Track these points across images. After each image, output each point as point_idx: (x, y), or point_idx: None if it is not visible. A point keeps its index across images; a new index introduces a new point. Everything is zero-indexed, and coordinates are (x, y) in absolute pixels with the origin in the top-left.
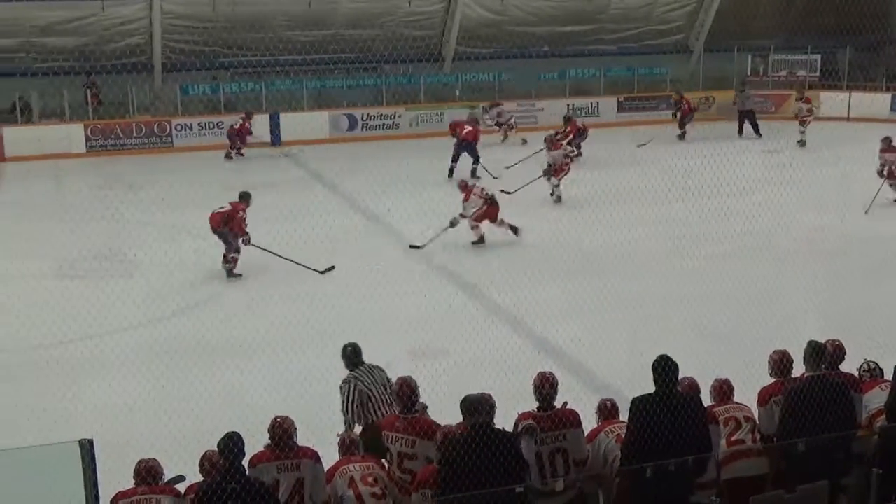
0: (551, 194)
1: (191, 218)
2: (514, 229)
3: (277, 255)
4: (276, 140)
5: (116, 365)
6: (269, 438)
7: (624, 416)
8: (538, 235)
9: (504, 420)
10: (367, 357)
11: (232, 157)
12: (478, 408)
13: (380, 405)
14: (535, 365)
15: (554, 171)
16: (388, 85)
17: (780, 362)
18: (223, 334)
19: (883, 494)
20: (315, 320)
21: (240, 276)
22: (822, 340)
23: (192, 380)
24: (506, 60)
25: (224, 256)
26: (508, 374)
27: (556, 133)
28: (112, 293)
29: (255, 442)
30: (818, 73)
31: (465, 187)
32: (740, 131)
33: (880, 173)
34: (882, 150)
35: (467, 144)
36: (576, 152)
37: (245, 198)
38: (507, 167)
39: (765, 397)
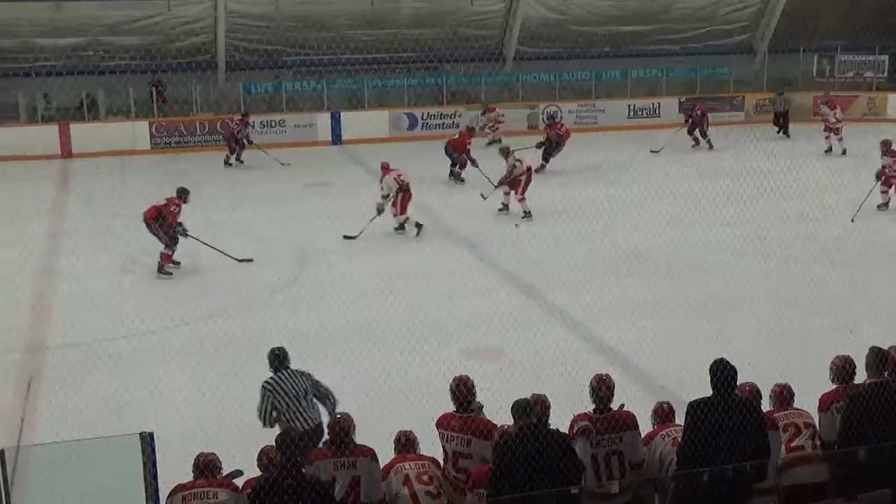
0: (500, 209)
1: (251, 215)
2: (419, 226)
3: (207, 245)
4: (336, 139)
5: (177, 359)
6: (328, 435)
7: (680, 419)
8: (599, 237)
9: (559, 421)
10: (424, 356)
11: (231, 164)
12: (527, 409)
13: (295, 415)
14: (590, 366)
15: (510, 183)
16: (449, 84)
17: (843, 368)
18: (286, 330)
19: None
20: (376, 319)
21: (170, 274)
22: (885, 347)
23: (252, 375)
24: (567, 61)
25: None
26: (564, 374)
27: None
28: (173, 288)
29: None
30: (885, 74)
31: (386, 168)
32: (784, 131)
33: (878, 176)
34: (883, 154)
35: (447, 150)
36: (541, 164)
37: (182, 193)
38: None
39: (826, 403)
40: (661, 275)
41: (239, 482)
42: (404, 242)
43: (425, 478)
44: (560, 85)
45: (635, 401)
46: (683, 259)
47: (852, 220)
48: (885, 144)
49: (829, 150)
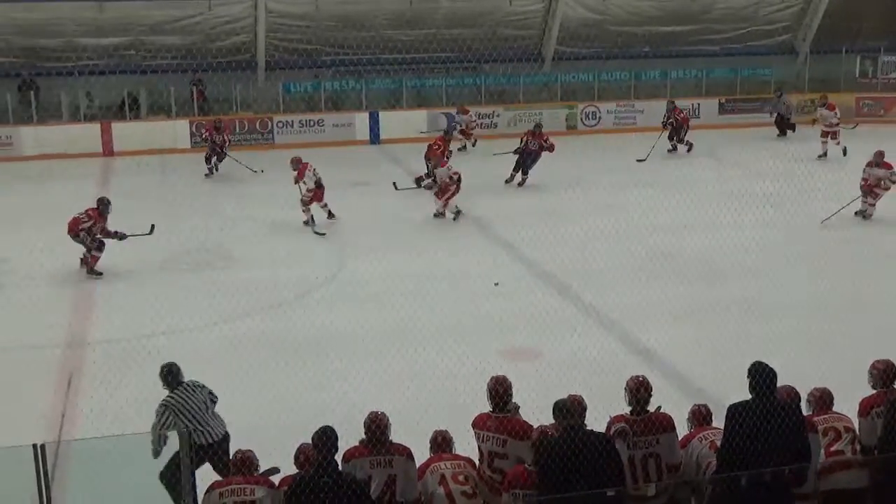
0: (435, 215)
1: (290, 214)
2: (331, 214)
3: (130, 236)
4: (374, 138)
5: (217, 356)
6: (364, 433)
7: (717, 422)
8: (637, 239)
9: (595, 423)
10: (461, 355)
11: (211, 174)
12: (570, 410)
13: (202, 430)
14: (627, 367)
15: (439, 190)
16: (487, 84)
17: (884, 372)
18: (322, 328)
19: None
20: (413, 318)
21: (100, 274)
22: None
23: (289, 373)
24: (606, 61)
25: (84, 256)
26: (601, 376)
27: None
28: (212, 286)
29: (349, 437)
30: None
31: (298, 161)
32: (786, 131)
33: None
34: (869, 164)
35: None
36: (522, 178)
37: (101, 203)
38: (495, 154)
39: (866, 408)
40: (697, 276)
41: (276, 479)
42: (442, 243)
43: (461, 478)
44: (599, 85)
45: (672, 403)
46: (721, 261)
47: (822, 223)
48: (880, 155)
49: (825, 154)
